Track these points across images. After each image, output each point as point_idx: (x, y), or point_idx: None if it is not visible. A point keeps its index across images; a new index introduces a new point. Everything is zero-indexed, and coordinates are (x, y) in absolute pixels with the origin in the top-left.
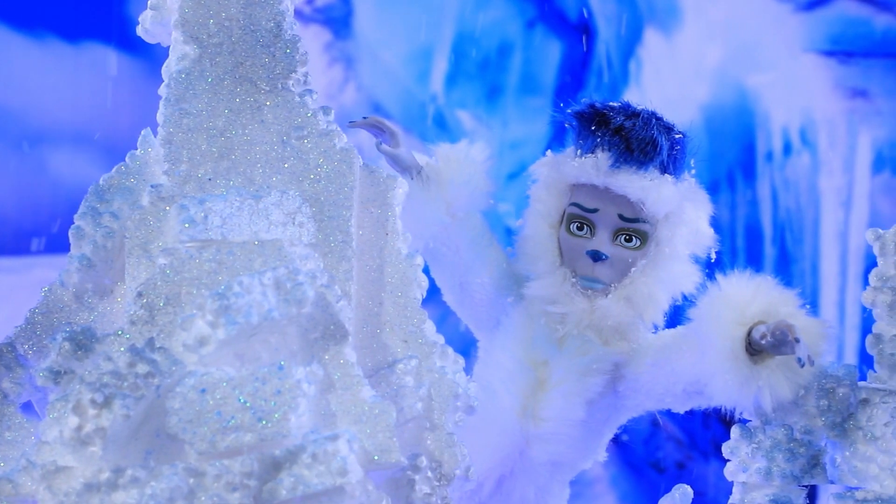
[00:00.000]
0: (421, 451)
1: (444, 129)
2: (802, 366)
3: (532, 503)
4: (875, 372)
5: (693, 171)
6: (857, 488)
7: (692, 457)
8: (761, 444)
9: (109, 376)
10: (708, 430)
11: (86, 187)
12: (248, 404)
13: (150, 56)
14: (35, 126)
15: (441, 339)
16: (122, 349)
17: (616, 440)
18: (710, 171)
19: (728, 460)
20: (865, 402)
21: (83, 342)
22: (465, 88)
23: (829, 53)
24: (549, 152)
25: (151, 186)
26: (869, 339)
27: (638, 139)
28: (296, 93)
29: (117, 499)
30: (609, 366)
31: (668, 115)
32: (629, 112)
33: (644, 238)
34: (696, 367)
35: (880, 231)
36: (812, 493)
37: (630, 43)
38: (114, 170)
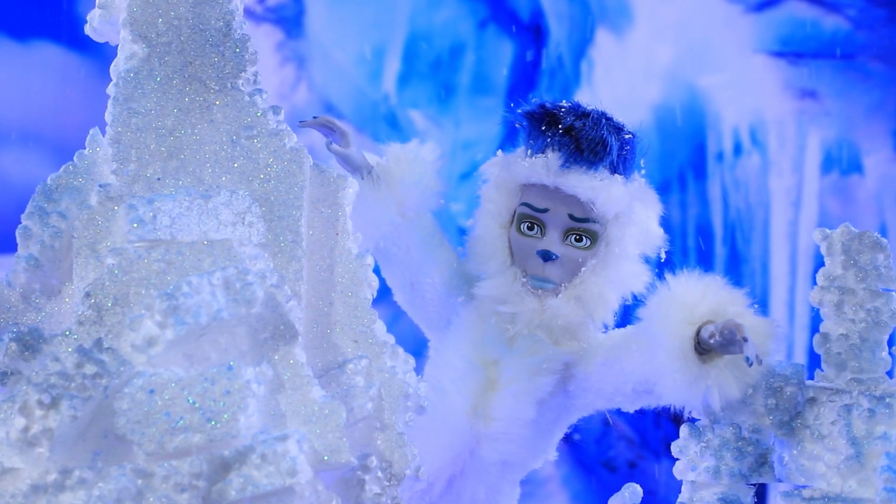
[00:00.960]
0: (371, 451)
1: (396, 128)
2: (751, 365)
3: (482, 503)
4: (822, 371)
5: (643, 172)
6: (804, 486)
7: (644, 456)
8: (710, 442)
9: (57, 377)
10: (659, 429)
11: (33, 187)
12: (196, 405)
13: (98, 55)
14: None
15: (391, 339)
16: (69, 350)
17: (568, 439)
18: (661, 171)
19: (678, 459)
20: (813, 400)
21: (30, 343)
22: (417, 88)
23: (779, 54)
24: (499, 152)
25: (100, 186)
26: (816, 338)
27: (588, 139)
28: (245, 92)
29: (64, 500)
30: (559, 365)
31: (619, 116)
32: (579, 112)
33: (594, 238)
34: (646, 366)
35: (827, 231)
36: (760, 491)
37: (581, 43)
38: (62, 169)
